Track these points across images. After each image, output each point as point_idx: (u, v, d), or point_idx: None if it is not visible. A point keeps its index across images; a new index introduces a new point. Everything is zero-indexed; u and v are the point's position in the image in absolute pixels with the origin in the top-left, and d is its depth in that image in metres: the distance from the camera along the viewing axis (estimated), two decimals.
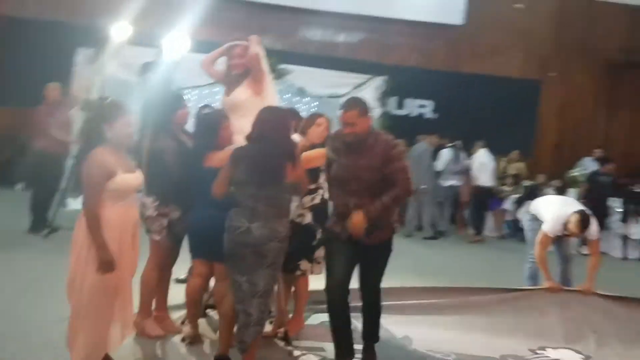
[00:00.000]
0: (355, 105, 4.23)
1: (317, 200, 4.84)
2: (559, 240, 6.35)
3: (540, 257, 6.01)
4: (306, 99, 11.54)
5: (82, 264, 3.72)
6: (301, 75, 11.19)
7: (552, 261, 6.42)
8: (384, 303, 5.26)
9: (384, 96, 11.45)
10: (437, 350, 4.97)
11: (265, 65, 5.07)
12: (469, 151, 11.68)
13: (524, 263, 6.56)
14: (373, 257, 4.39)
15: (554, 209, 6.13)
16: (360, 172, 4.16)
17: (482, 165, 11.09)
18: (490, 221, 11.49)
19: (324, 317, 5.13)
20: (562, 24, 13.83)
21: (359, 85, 11.26)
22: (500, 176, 11.70)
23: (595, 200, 10.24)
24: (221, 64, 5.36)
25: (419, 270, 7.91)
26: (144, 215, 4.69)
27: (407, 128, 11.81)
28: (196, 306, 4.77)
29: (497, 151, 11.80)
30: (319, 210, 4.82)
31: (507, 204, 11.41)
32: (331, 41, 13.78)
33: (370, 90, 11.20)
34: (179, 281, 5.59)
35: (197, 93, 11.08)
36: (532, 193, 10.97)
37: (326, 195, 4.82)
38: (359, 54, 13.40)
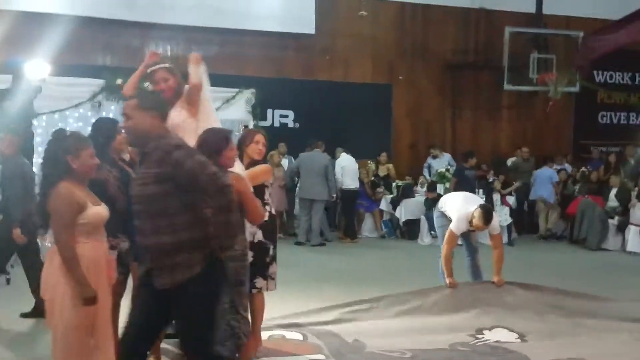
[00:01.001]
0: (140, 96, 3.50)
1: (266, 216, 4.76)
2: (465, 233, 6.73)
3: (447, 255, 6.33)
4: None
5: (58, 302, 3.55)
6: None
7: (462, 253, 6.85)
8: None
9: (254, 109, 11.40)
10: (393, 350, 5.07)
11: (206, 89, 4.87)
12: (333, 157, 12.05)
13: (438, 259, 6.77)
14: (176, 310, 3.32)
15: (458, 207, 6.47)
16: (134, 188, 3.35)
17: (344, 168, 11.45)
18: (369, 222, 11.85)
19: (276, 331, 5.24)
20: (403, 29, 14.59)
21: (230, 99, 11.12)
22: (372, 178, 12.13)
23: None
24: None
25: (326, 277, 8.10)
26: None
27: (273, 139, 11.87)
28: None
29: (359, 155, 12.25)
30: (268, 226, 4.76)
31: (383, 205, 11.84)
32: (184, 56, 13.45)
33: (241, 103, 11.10)
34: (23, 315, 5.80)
35: (45, 119, 10.36)
36: (405, 192, 11.53)
37: (274, 211, 4.87)
38: (213, 67, 13.08)
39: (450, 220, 6.59)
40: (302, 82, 13.82)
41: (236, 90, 11.32)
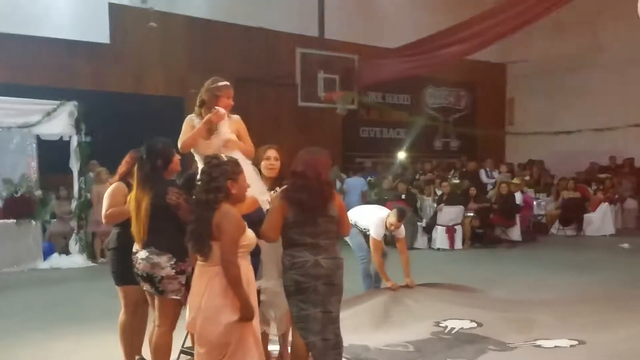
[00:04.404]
0: None
1: None
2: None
3: (379, 262, 6.91)
4: None
5: (219, 322, 3.61)
6: None
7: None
8: None
9: (77, 122, 10.60)
10: (395, 344, 5.49)
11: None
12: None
13: (358, 265, 7.27)
14: None
15: (370, 217, 7.09)
16: None
17: None
18: None
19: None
20: (192, 43, 14.71)
21: (51, 112, 10.20)
22: None
23: None
24: None
25: None
26: (157, 276, 4.13)
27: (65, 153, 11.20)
28: None
29: None
30: None
31: None
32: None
33: (64, 116, 10.27)
34: None
35: None
36: None
37: None
38: None
39: (359, 230, 7.18)
40: (92, 92, 13.04)
41: (57, 102, 10.51)
